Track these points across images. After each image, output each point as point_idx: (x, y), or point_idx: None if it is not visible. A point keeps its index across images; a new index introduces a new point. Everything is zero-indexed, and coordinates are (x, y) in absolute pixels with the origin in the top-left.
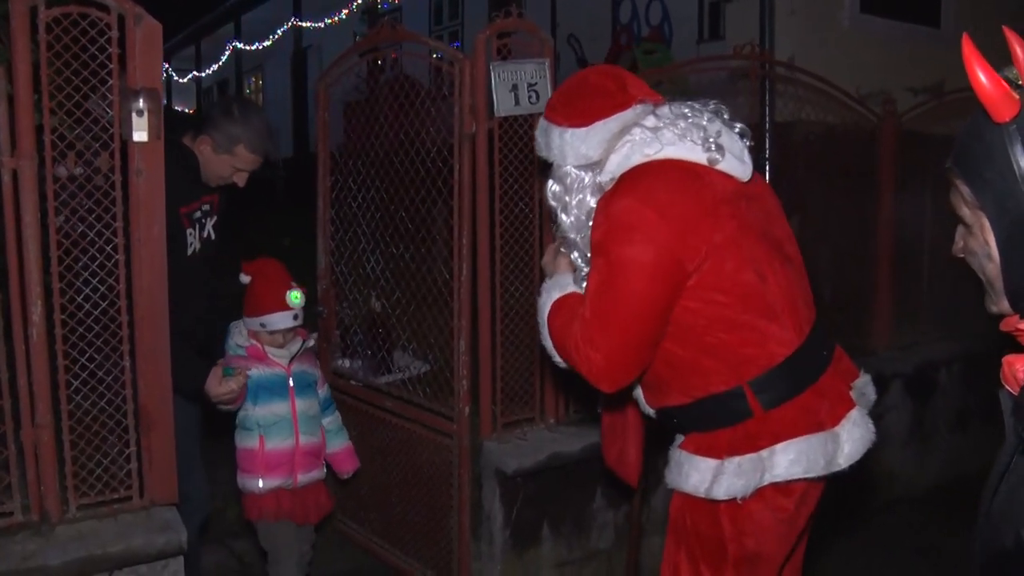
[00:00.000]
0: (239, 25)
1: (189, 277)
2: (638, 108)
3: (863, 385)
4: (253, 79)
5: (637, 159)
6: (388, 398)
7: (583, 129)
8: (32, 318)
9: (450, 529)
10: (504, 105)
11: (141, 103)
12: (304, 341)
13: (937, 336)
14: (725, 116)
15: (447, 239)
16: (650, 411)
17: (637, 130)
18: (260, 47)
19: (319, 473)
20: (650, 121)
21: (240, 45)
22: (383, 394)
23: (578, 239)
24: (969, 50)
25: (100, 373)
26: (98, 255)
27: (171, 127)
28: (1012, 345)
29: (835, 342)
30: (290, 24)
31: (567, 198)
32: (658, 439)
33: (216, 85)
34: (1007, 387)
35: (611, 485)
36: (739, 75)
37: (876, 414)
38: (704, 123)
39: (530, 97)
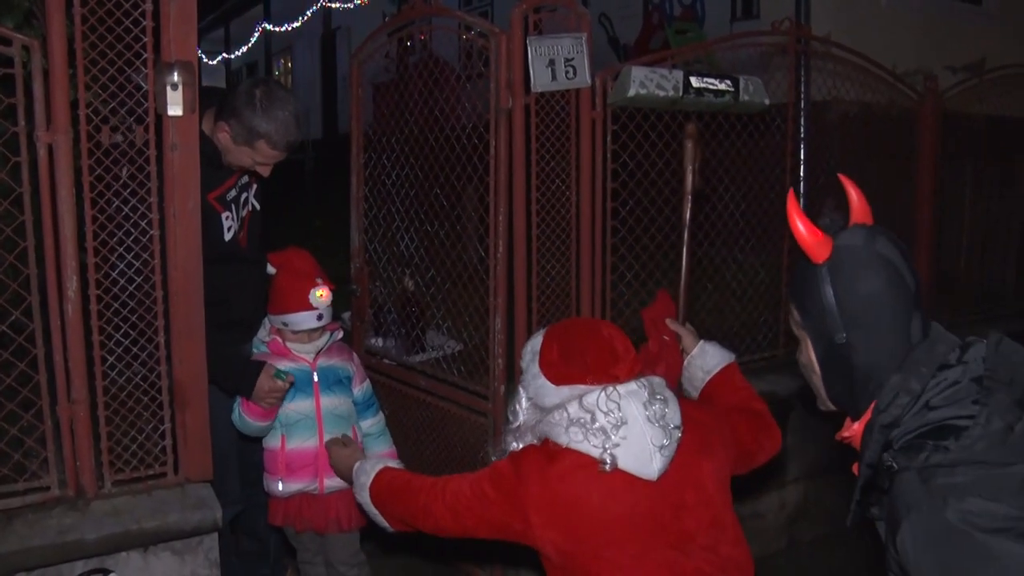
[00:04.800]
0: (268, 6)
1: (234, 264)
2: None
3: None
4: (282, 61)
5: (554, 437)
6: (422, 377)
7: (551, 386)
8: (67, 293)
9: None
10: (541, 80)
11: (175, 76)
12: (332, 334)
13: (978, 318)
14: (666, 403)
15: (482, 216)
16: None
17: (561, 414)
18: (289, 28)
19: None
20: (573, 408)
21: (269, 27)
22: (416, 373)
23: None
24: (791, 204)
25: (135, 349)
26: (133, 230)
27: None
28: None
29: None
30: (319, 5)
31: (523, 391)
32: None
33: (245, 67)
34: None
35: None
36: (775, 52)
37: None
38: (608, 426)
39: (567, 72)
